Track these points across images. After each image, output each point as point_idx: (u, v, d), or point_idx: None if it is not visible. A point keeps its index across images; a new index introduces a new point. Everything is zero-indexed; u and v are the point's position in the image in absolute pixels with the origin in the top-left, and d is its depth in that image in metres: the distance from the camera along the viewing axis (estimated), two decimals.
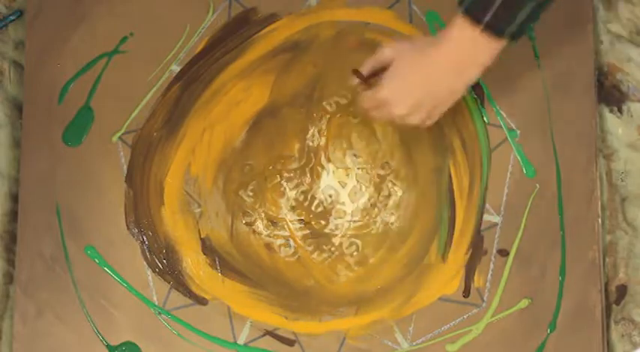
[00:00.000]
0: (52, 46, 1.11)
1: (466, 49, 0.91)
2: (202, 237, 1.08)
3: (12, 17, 1.13)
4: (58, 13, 1.11)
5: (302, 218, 1.08)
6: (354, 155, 1.09)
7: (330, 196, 1.09)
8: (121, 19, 1.11)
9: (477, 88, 1.10)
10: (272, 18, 1.12)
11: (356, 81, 1.00)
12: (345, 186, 1.09)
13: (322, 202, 1.09)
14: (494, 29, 0.88)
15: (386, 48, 0.97)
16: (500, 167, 1.08)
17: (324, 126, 1.10)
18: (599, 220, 1.07)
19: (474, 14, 0.88)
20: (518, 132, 1.09)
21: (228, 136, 1.10)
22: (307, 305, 1.07)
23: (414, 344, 1.06)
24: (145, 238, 1.08)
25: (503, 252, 1.07)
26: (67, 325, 1.07)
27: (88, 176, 1.09)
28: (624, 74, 1.11)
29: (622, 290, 1.08)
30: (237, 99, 1.10)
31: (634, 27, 1.12)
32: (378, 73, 0.98)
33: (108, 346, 1.06)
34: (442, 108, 0.96)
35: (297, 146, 1.09)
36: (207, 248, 1.08)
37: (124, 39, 1.11)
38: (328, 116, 1.10)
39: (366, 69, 0.99)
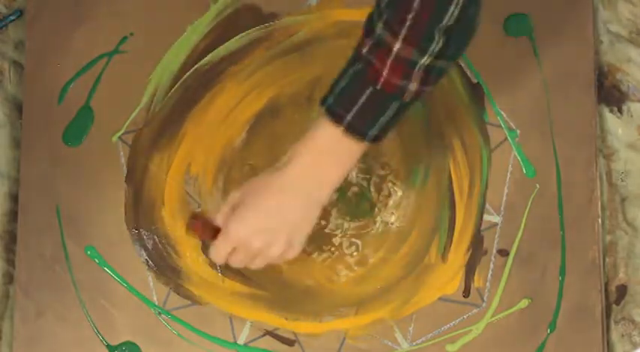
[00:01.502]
0: (52, 46, 1.11)
1: (327, 149, 0.87)
2: None
3: (12, 17, 1.13)
4: (58, 13, 1.11)
5: None
6: None
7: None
8: (121, 19, 1.11)
9: (477, 88, 1.10)
10: (272, 18, 1.12)
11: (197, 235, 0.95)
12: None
13: None
14: (355, 131, 0.85)
15: (233, 191, 0.92)
16: (500, 167, 1.08)
17: None
18: (599, 220, 1.07)
19: (336, 113, 0.85)
20: (518, 132, 1.09)
21: (228, 136, 1.10)
22: (307, 305, 1.07)
23: (414, 344, 1.06)
24: (145, 238, 1.08)
25: (503, 252, 1.07)
26: (67, 325, 1.07)
27: (88, 176, 1.09)
28: (624, 74, 1.11)
29: (622, 290, 1.08)
30: (237, 99, 1.10)
31: (634, 27, 1.12)
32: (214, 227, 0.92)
33: (108, 346, 1.06)
34: (301, 237, 0.91)
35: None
36: (208, 248, 1.08)
37: (124, 39, 1.11)
38: None
39: (221, 220, 0.91)
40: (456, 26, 0.81)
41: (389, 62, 0.82)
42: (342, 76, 0.86)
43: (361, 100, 0.84)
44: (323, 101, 0.87)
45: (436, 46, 0.81)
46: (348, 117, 0.85)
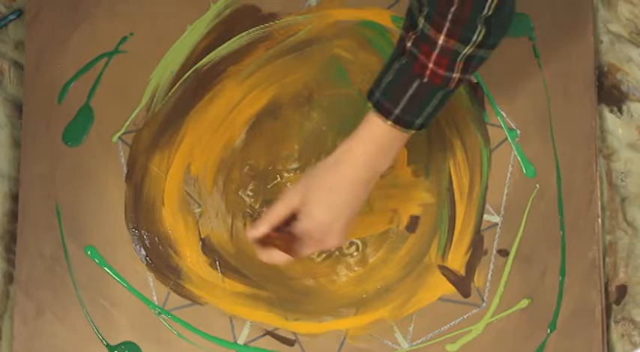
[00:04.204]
0: (52, 46, 1.11)
1: (374, 151, 0.90)
2: (202, 237, 1.08)
3: (12, 17, 1.13)
4: (58, 13, 1.11)
5: None
6: None
7: None
8: (121, 19, 1.11)
9: (477, 88, 1.10)
10: (272, 18, 1.12)
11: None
12: None
13: None
14: (403, 122, 0.89)
15: (288, 190, 0.94)
16: (500, 167, 1.08)
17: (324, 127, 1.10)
18: (599, 220, 1.07)
19: (384, 107, 0.88)
20: (518, 132, 1.09)
21: (228, 136, 1.10)
22: (307, 305, 1.07)
23: (414, 344, 1.06)
24: (145, 238, 1.08)
25: (503, 252, 1.07)
26: (67, 325, 1.07)
27: (88, 176, 1.09)
28: (624, 74, 1.11)
29: (622, 290, 1.08)
30: (237, 99, 1.10)
31: (634, 27, 1.12)
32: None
33: (108, 346, 1.06)
34: (348, 222, 0.93)
35: (297, 146, 1.09)
36: (207, 248, 1.08)
37: (124, 39, 1.11)
38: None
39: (275, 217, 0.93)
40: (496, 14, 0.84)
41: (434, 56, 0.85)
42: (387, 70, 0.89)
43: (408, 93, 0.87)
44: (370, 95, 0.90)
45: (478, 36, 0.84)
46: (397, 110, 0.88)
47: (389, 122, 0.89)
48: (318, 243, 0.93)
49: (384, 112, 0.89)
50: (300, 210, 0.92)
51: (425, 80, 0.86)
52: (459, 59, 0.85)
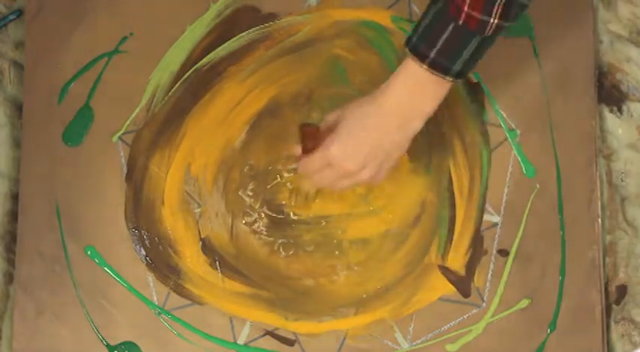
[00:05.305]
0: (52, 46, 1.11)
1: (411, 92, 0.91)
2: (202, 237, 1.08)
3: (11, 17, 1.13)
4: (57, 12, 1.11)
5: (302, 218, 1.08)
6: None
7: None
8: (121, 19, 1.11)
9: (476, 88, 1.10)
10: (272, 18, 1.12)
11: (298, 151, 0.98)
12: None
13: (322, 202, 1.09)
14: (439, 67, 0.88)
15: (331, 113, 0.97)
16: (500, 167, 1.08)
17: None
18: (599, 220, 1.07)
19: (420, 51, 0.89)
20: (518, 132, 1.09)
21: (228, 136, 1.10)
22: (307, 305, 1.07)
23: (414, 344, 1.06)
24: (145, 238, 1.08)
25: (503, 252, 1.07)
26: (66, 325, 1.07)
27: (88, 176, 1.09)
28: (624, 74, 1.11)
29: (622, 290, 1.08)
30: (237, 99, 1.10)
31: (634, 27, 1.12)
32: (319, 140, 0.96)
33: (108, 345, 1.06)
34: (390, 163, 0.95)
35: (296, 146, 1.09)
36: (207, 248, 1.08)
37: (124, 39, 1.11)
38: None
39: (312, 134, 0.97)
40: None
41: None
42: (425, 15, 0.89)
43: (444, 37, 0.87)
44: (407, 42, 0.90)
45: None
46: (432, 54, 0.88)
47: (424, 66, 0.89)
48: (339, 166, 0.93)
49: (420, 56, 0.89)
50: (335, 130, 0.94)
51: (460, 23, 0.86)
52: (497, 4, 0.84)
